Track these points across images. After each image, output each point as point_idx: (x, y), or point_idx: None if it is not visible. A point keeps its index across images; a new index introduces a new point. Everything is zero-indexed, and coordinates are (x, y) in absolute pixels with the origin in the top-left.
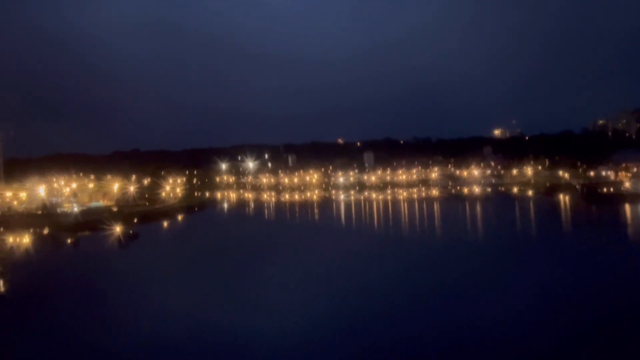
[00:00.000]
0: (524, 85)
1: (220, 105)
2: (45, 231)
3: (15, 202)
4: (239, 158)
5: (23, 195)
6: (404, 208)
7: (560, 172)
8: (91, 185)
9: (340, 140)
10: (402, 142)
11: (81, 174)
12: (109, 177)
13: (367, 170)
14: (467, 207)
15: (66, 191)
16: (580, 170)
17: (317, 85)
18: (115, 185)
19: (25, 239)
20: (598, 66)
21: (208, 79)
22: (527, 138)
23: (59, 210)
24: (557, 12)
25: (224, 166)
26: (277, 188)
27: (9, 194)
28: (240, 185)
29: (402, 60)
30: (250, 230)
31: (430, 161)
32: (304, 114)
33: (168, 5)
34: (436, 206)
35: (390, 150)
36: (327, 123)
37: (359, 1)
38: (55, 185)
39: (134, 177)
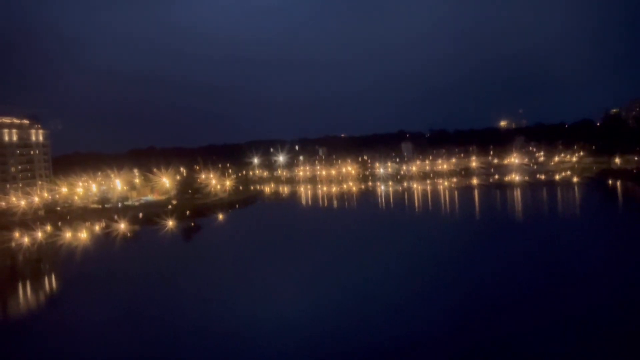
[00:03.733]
0: (525, 78)
1: (232, 102)
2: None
3: (75, 197)
4: (271, 150)
5: (79, 190)
6: (472, 197)
7: (609, 158)
8: (137, 181)
9: (343, 135)
10: (408, 134)
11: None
12: (155, 172)
13: (405, 160)
14: (541, 195)
15: (115, 187)
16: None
17: (324, 81)
18: (165, 180)
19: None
20: (598, 58)
21: (216, 77)
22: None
23: (125, 203)
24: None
25: (255, 160)
26: (313, 180)
27: (64, 189)
28: (274, 179)
29: (409, 55)
30: (325, 219)
31: (471, 149)
32: (309, 108)
33: (177, 6)
34: (501, 194)
35: (409, 142)
36: (333, 117)
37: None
38: (106, 181)
39: (183, 171)
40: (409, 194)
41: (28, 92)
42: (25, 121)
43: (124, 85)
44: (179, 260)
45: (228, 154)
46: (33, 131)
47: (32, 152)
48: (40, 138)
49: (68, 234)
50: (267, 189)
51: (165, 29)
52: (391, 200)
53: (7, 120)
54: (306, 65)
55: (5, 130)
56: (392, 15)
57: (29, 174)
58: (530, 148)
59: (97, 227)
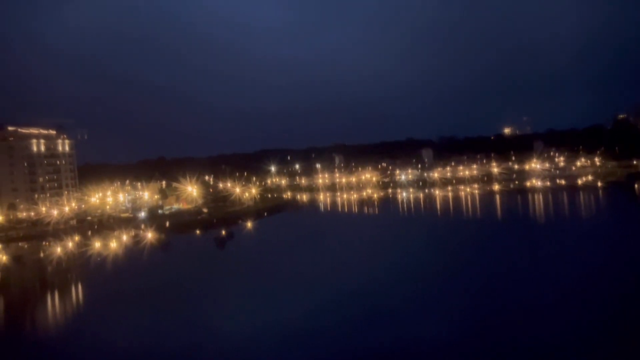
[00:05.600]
0: (525, 85)
1: (240, 111)
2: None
3: (107, 207)
4: (288, 158)
5: (109, 199)
6: (512, 203)
7: (633, 162)
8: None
9: (346, 144)
10: (417, 142)
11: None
12: (181, 181)
13: (426, 167)
14: (582, 200)
15: (142, 196)
16: None
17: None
18: (190, 189)
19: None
20: (601, 65)
21: (225, 85)
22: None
23: (160, 212)
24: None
25: (273, 168)
26: (335, 188)
27: (92, 198)
28: (294, 187)
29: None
30: (366, 227)
31: (493, 155)
32: (313, 117)
33: (185, 13)
34: (540, 200)
35: (419, 150)
36: (338, 126)
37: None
38: (132, 190)
39: (210, 180)
40: (441, 201)
41: (33, 102)
42: (52, 131)
43: (131, 96)
44: (239, 267)
45: (238, 163)
46: (59, 141)
47: (58, 162)
48: (67, 148)
49: (112, 243)
50: (291, 196)
51: (171, 36)
52: (425, 206)
53: (34, 130)
54: (309, 75)
55: (34, 141)
56: (395, 24)
57: (56, 184)
58: (551, 153)
59: (138, 236)
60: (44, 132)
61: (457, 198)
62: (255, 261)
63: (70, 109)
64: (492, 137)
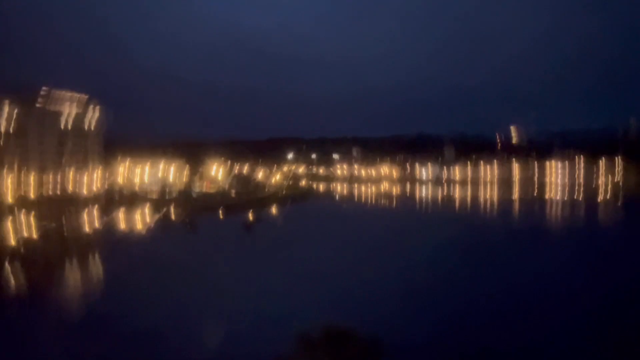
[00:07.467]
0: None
1: (250, 96)
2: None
3: (135, 185)
4: (304, 147)
5: (137, 178)
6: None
7: None
8: (187, 172)
9: (352, 136)
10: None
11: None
12: (209, 162)
13: (447, 163)
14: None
15: (167, 177)
16: None
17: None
18: (213, 173)
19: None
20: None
21: (236, 68)
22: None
23: (193, 193)
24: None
25: (290, 156)
26: (357, 180)
27: (119, 177)
28: (312, 176)
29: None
30: (393, 216)
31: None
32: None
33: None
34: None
35: (431, 146)
36: (345, 117)
37: None
38: (155, 171)
39: (234, 164)
40: (474, 195)
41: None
42: (84, 96)
43: (140, 79)
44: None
45: (250, 149)
46: (88, 116)
47: (86, 133)
48: (93, 124)
49: (151, 221)
50: (313, 185)
51: (180, 20)
52: (460, 203)
53: (68, 93)
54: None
55: (67, 104)
56: (406, 16)
57: (82, 157)
58: (571, 155)
59: (177, 215)
60: (77, 95)
61: (489, 196)
62: (296, 243)
63: (85, 84)
64: (502, 136)
